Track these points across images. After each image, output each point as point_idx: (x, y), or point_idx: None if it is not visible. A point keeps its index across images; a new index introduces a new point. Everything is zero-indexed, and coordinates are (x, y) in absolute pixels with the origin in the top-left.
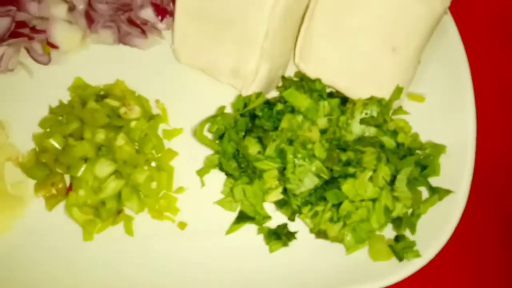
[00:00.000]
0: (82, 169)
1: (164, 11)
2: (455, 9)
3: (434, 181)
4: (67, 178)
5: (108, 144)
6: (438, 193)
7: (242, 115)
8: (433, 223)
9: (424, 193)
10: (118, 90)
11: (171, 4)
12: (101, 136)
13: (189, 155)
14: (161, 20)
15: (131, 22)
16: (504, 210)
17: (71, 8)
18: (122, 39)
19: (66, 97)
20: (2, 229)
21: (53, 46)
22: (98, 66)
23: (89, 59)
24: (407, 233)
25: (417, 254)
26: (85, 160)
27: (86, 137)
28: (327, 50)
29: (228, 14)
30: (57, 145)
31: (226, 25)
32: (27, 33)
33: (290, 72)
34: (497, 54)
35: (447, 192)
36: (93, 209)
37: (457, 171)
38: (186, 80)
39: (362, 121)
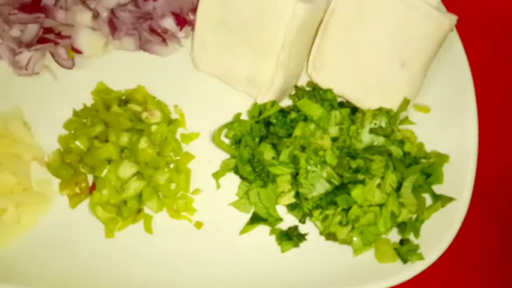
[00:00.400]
0: (106, 170)
1: (184, 21)
2: (460, 26)
3: (437, 188)
4: (90, 177)
5: (131, 146)
6: (441, 200)
7: (257, 122)
8: (436, 228)
9: (428, 199)
10: (139, 95)
11: (190, 14)
12: (125, 139)
13: (205, 158)
14: (181, 29)
15: (152, 30)
16: (503, 218)
17: (95, 16)
18: (143, 46)
19: (88, 100)
20: (27, 223)
21: (77, 51)
22: (119, 71)
23: (111, 64)
24: (411, 237)
25: (421, 257)
26: (109, 161)
27: (111, 140)
28: (339, 62)
29: (247, 26)
30: (82, 147)
31: (244, 36)
32: (53, 38)
33: (302, 81)
34: (500, 69)
35: (450, 199)
36: (115, 208)
37: (459, 180)
38: (203, 87)
39: (371, 131)
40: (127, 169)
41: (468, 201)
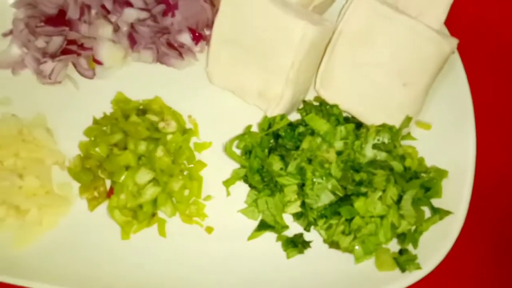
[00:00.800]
0: (124, 176)
1: (199, 36)
2: (462, 47)
3: (436, 202)
4: (107, 182)
5: (148, 154)
6: (439, 213)
7: (266, 134)
8: (433, 239)
9: (427, 212)
10: (156, 106)
11: (205, 30)
12: (142, 147)
13: (216, 166)
14: (196, 44)
15: (169, 44)
16: (498, 232)
17: (116, 29)
18: (160, 59)
19: (108, 109)
20: (49, 225)
21: (98, 62)
22: (137, 82)
23: (130, 75)
24: (410, 247)
25: (418, 267)
26: (127, 168)
27: (130, 148)
28: (346, 80)
29: (259, 44)
30: (101, 153)
31: (256, 53)
32: (75, 49)
33: (310, 96)
34: (498, 89)
35: (447, 212)
36: (131, 212)
37: (456, 195)
38: (216, 99)
39: (375, 146)
40: (144, 176)
41: (464, 215)
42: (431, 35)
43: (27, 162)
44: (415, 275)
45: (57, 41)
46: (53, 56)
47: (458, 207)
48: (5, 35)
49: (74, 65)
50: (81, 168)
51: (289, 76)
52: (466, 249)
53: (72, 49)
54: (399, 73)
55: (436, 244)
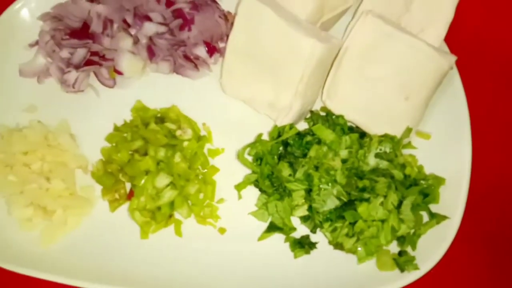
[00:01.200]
0: (143, 179)
1: (213, 49)
2: (460, 62)
3: (433, 207)
4: (127, 185)
5: (166, 160)
6: (436, 218)
7: (276, 142)
8: (430, 242)
9: (425, 217)
10: (173, 114)
11: (219, 43)
12: (161, 153)
13: (228, 171)
14: (211, 56)
15: (185, 56)
16: (491, 235)
17: (136, 42)
18: (176, 70)
19: (127, 117)
20: (73, 224)
21: (119, 72)
22: (155, 92)
23: (148, 85)
24: (408, 249)
25: (416, 267)
26: (146, 172)
27: (150, 154)
28: (350, 92)
29: (271, 59)
30: (123, 159)
31: (268, 67)
32: (97, 60)
33: (317, 106)
34: (494, 102)
35: (444, 217)
36: (150, 213)
37: (453, 201)
38: (229, 108)
39: (377, 155)
40: (162, 180)
41: (460, 220)
42: (431, 53)
43: (53, 166)
44: (413, 275)
45: (81, 53)
46: (77, 67)
47: (454, 212)
48: (31, 45)
49: (96, 75)
50: (103, 172)
51: (298, 89)
52: (461, 251)
53: (95, 60)
54: (401, 88)
55: (433, 247)
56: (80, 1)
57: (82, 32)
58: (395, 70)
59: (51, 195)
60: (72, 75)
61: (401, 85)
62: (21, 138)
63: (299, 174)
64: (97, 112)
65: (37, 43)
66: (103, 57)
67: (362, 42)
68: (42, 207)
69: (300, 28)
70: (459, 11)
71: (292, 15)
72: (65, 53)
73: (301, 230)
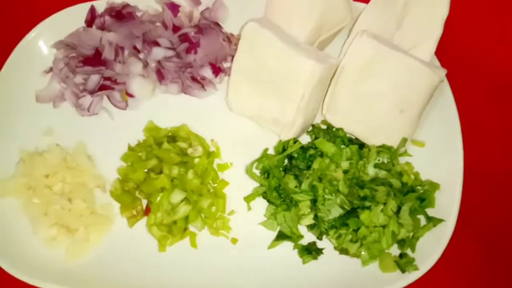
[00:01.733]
0: (159, 196)
1: (219, 69)
2: (450, 74)
3: (430, 211)
4: (143, 201)
5: (180, 177)
6: (433, 221)
7: (282, 156)
8: (428, 244)
9: (422, 220)
10: (183, 132)
11: (223, 63)
12: (175, 171)
13: (237, 184)
14: (216, 76)
15: (193, 78)
16: (484, 237)
17: (145, 66)
18: (184, 90)
19: (140, 136)
20: (94, 240)
21: (130, 95)
22: (165, 112)
23: (159, 105)
24: (408, 251)
25: (416, 268)
26: (162, 189)
27: (165, 173)
28: (348, 107)
29: (274, 78)
30: (139, 177)
31: (271, 86)
32: (110, 85)
33: (317, 120)
34: (483, 111)
35: (440, 220)
36: (167, 227)
37: (447, 204)
38: (235, 124)
39: (376, 166)
40: (177, 196)
41: (454, 223)
42: (423, 69)
43: (73, 187)
44: (414, 275)
45: (95, 79)
46: (92, 93)
47: (449, 215)
48: (46, 72)
49: (109, 98)
50: (121, 191)
51: (300, 106)
52: (456, 251)
53: (108, 84)
54: (396, 102)
55: (431, 248)
56: (92, 30)
57: (95, 59)
58: (390, 86)
59: (73, 215)
60: (87, 99)
61: (396, 100)
62: (42, 161)
63: (304, 186)
64: (111, 134)
65: (51, 69)
66: (115, 82)
67: (358, 61)
68: (65, 226)
69: (300, 50)
70: (448, 26)
71: (292, 37)
72: (79, 79)
73: (308, 237)
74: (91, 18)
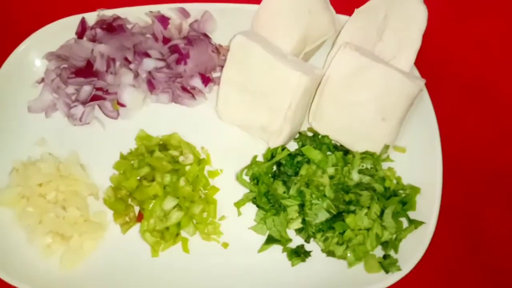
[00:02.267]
0: (152, 203)
1: (208, 79)
2: (429, 83)
3: (411, 214)
4: (136, 208)
5: (172, 185)
6: (414, 223)
7: (270, 163)
8: (410, 245)
9: (404, 223)
10: (174, 141)
11: (212, 73)
12: (167, 179)
13: (227, 190)
14: (205, 86)
15: (183, 88)
16: (463, 238)
17: (136, 76)
18: (175, 99)
19: (132, 145)
20: (89, 248)
21: (121, 104)
22: (156, 120)
23: (150, 115)
24: (392, 252)
25: (399, 268)
26: (154, 196)
27: (157, 180)
28: (333, 115)
29: (262, 89)
30: (132, 185)
31: (259, 96)
32: (102, 95)
33: (304, 127)
34: (460, 117)
35: (421, 223)
36: (159, 233)
37: (428, 207)
38: (224, 132)
39: (360, 171)
40: (169, 203)
41: (434, 225)
42: (403, 80)
43: (67, 195)
44: (397, 275)
45: (87, 90)
46: (84, 103)
47: (430, 218)
48: (38, 82)
49: (100, 108)
50: (114, 199)
51: (287, 115)
52: (437, 252)
53: (99, 95)
54: (378, 110)
55: (413, 249)
56: (83, 41)
57: (87, 70)
58: (372, 96)
59: (67, 222)
60: (79, 109)
61: (378, 108)
62: (36, 170)
63: (292, 191)
64: (103, 143)
65: (43, 80)
66: (106, 92)
67: (342, 72)
68: (60, 234)
69: (286, 62)
70: (426, 37)
71: (279, 49)
72: (70, 90)
73: (297, 241)
74: (82, 30)
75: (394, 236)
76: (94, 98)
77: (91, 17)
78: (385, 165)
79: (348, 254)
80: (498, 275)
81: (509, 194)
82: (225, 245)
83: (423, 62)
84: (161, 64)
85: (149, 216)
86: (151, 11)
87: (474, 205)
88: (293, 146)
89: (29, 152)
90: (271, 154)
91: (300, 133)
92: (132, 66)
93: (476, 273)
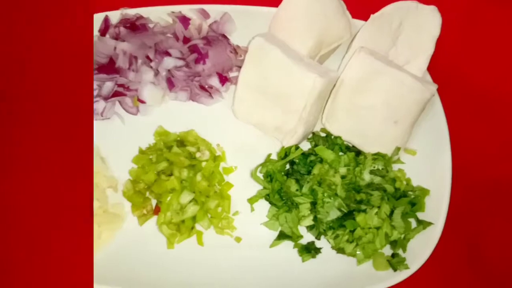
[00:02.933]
0: (169, 197)
1: (225, 79)
2: (440, 88)
3: (420, 215)
4: (153, 201)
5: (189, 179)
6: (422, 224)
7: (284, 162)
8: (418, 245)
9: (413, 223)
10: (191, 137)
11: (229, 73)
12: (185, 174)
13: (241, 186)
14: (222, 85)
15: (201, 86)
16: (470, 238)
17: (156, 74)
18: (193, 97)
19: (150, 140)
20: (107, 238)
21: (141, 101)
22: (174, 117)
23: (168, 111)
24: (400, 251)
25: (407, 267)
26: (171, 190)
27: (175, 175)
28: (346, 118)
29: (277, 90)
30: (150, 179)
31: (275, 97)
32: (123, 91)
33: (317, 128)
34: (470, 120)
35: (429, 223)
36: (175, 226)
37: (436, 209)
38: (239, 130)
39: (371, 172)
40: (186, 197)
41: (442, 225)
42: (415, 84)
43: None
44: (405, 274)
45: (109, 86)
46: (106, 98)
47: (438, 219)
48: None
49: (121, 104)
50: (133, 191)
51: (302, 116)
52: (444, 252)
53: (121, 91)
54: (391, 114)
55: (420, 249)
56: (106, 39)
57: (109, 67)
58: (385, 100)
59: None
60: (101, 104)
61: (390, 112)
62: None
63: (305, 189)
64: (123, 137)
65: None
66: (127, 88)
67: (356, 75)
68: None
69: (302, 64)
70: (439, 44)
71: (295, 52)
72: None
73: (308, 237)
74: (105, 28)
75: (403, 235)
76: (116, 94)
77: (114, 16)
78: (395, 167)
79: (358, 252)
80: (500, 279)
81: None
82: (238, 239)
83: (435, 67)
84: (180, 63)
85: (166, 209)
86: (173, 12)
87: (481, 209)
88: (306, 146)
89: None
90: (284, 153)
91: (313, 133)
92: (152, 64)
93: (480, 274)
